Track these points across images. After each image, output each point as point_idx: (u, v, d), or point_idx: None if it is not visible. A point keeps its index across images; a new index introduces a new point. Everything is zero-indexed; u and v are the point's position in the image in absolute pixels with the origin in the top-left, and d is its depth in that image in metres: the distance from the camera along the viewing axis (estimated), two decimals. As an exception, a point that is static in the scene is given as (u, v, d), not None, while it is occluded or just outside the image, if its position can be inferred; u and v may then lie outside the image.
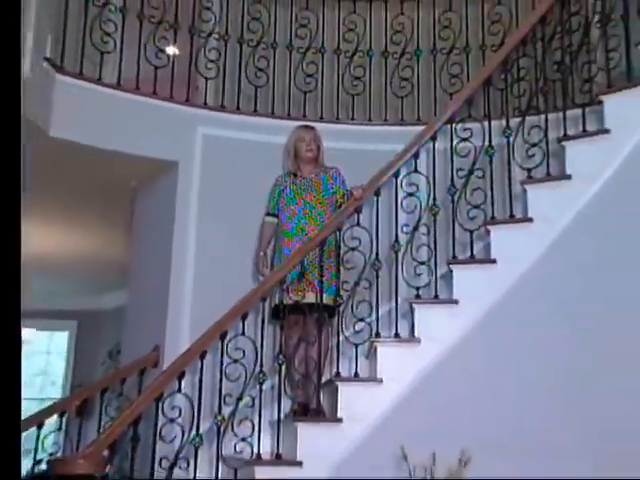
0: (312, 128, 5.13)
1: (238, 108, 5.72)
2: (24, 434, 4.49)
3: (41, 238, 8.10)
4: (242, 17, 5.85)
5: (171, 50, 5.62)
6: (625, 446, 3.84)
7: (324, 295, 4.44)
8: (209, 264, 5.39)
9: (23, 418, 4.80)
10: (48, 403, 5.22)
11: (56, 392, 11.00)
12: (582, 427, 3.95)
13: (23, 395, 9.96)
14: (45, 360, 11.66)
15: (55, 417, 4.83)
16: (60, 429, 4.81)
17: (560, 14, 4.65)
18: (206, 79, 5.77)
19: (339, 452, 4.03)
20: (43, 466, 4.44)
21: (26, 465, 4.77)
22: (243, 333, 4.09)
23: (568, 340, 4.06)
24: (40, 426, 4.68)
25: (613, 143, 4.22)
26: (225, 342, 4.05)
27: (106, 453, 3.57)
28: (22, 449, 4.49)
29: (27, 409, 5.26)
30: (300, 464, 4.00)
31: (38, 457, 4.63)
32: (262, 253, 4.95)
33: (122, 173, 5.77)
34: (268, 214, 5.02)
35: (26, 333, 9.28)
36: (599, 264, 4.11)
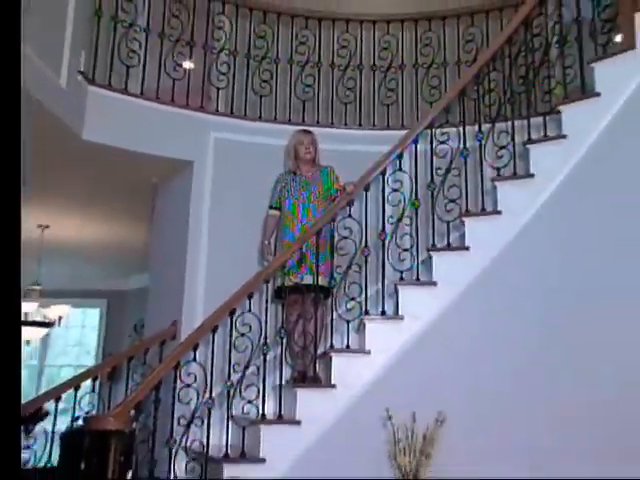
0: (310, 132, 5.13)
1: (245, 114, 5.79)
2: (64, 395, 4.58)
3: (75, 230, 8.15)
4: (249, 35, 5.91)
5: (187, 64, 5.64)
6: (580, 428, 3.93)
7: (320, 277, 4.52)
8: (220, 251, 5.45)
9: (63, 382, 4.90)
10: (83, 369, 5.26)
11: (90, 360, 11.05)
12: (543, 394, 4.02)
13: (62, 362, 9.95)
14: (80, 333, 11.78)
15: (89, 381, 4.88)
16: (93, 391, 4.85)
17: (524, 35, 4.70)
18: (217, 89, 5.83)
19: (333, 413, 4.10)
20: (80, 422, 4.48)
21: (65, 422, 4.83)
22: (249, 310, 4.14)
23: (531, 317, 4.13)
24: (77, 389, 4.72)
25: (569, 146, 4.26)
26: (234, 318, 4.10)
27: (132, 412, 3.65)
28: (60, 408, 4.61)
29: (65, 375, 5.32)
30: (299, 423, 4.08)
31: (75, 415, 4.68)
32: (267, 242, 4.96)
33: (144, 171, 5.79)
34: (271, 207, 5.02)
35: (63, 309, 9.28)
36: (558, 249, 4.18)
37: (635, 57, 4.11)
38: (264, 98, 5.82)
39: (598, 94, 4.26)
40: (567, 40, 4.60)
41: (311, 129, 5.24)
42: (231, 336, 4.12)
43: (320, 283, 4.53)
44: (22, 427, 4.48)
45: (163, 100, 5.53)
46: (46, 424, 4.72)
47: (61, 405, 4.65)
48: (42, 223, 7.87)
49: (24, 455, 4.40)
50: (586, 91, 4.37)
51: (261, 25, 5.92)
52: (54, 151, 5.32)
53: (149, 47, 5.50)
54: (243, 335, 4.12)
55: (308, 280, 4.59)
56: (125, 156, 5.40)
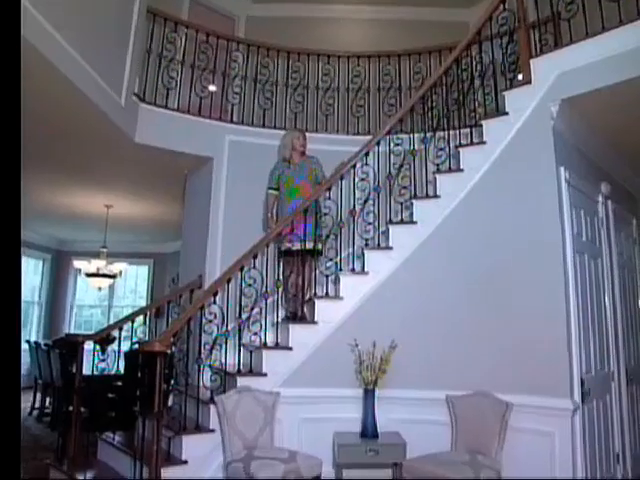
0: (303, 131, 5.03)
1: (252, 123, 5.73)
2: (125, 326, 4.62)
3: (130, 208, 8.10)
4: (256, 66, 5.84)
5: (211, 87, 5.57)
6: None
7: (307, 244, 4.46)
8: (233, 223, 5.42)
9: (123, 317, 4.89)
10: (137, 309, 5.28)
11: (142, 302, 11.14)
12: (467, 330, 3.96)
13: (123, 304, 10.22)
14: (135, 282, 11.85)
15: (141, 317, 4.88)
16: (145, 324, 4.88)
17: (456, 69, 4.72)
18: (232, 105, 5.81)
19: (315, 341, 4.08)
20: (135, 346, 4.50)
21: (127, 345, 4.95)
22: (254, 267, 4.10)
23: (459, 271, 4.05)
24: (133, 322, 4.71)
25: (488, 150, 4.18)
26: (243, 273, 4.06)
27: (172, 339, 3.63)
28: (123, 335, 4.61)
29: (126, 312, 5.33)
30: (291, 349, 4.07)
31: (133, 340, 4.68)
32: (269, 214, 4.80)
33: (178, 164, 5.73)
34: (271, 188, 4.85)
35: (123, 266, 9.35)
36: (479, 223, 4.08)
37: (532, 89, 4.05)
38: (267, 111, 5.78)
39: (507, 113, 4.20)
40: (486, 75, 4.64)
41: (301, 133, 5.17)
42: (241, 286, 4.07)
43: (307, 247, 4.46)
44: (98, 347, 4.49)
45: (193, 112, 5.50)
46: (114, 346, 4.74)
47: (124, 333, 4.63)
48: (107, 203, 7.88)
49: (102, 365, 4.47)
50: (499, 111, 4.32)
51: (265, 58, 5.86)
52: (115, 151, 5.37)
53: (183, 75, 5.56)
54: (250, 285, 4.10)
55: (297, 246, 4.50)
56: (165, 153, 5.38)
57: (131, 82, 4.88)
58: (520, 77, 4.26)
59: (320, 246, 4.53)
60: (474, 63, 4.83)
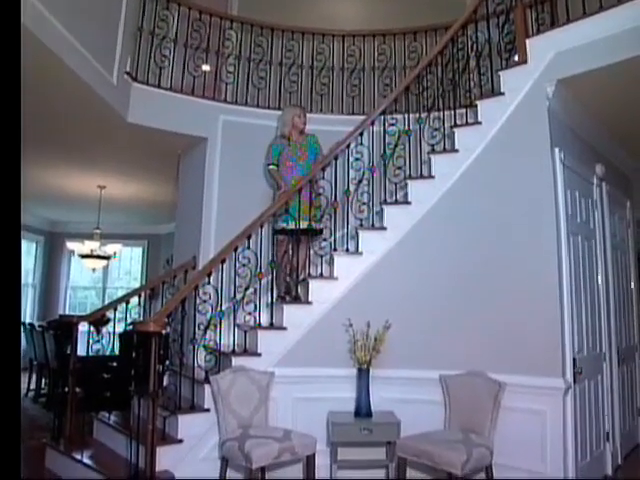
0: (303, 108, 4.96)
1: (246, 103, 5.66)
2: (120, 307, 4.67)
3: (123, 189, 8.04)
4: (250, 44, 5.75)
5: (204, 66, 5.49)
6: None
7: (302, 223, 4.42)
8: (226, 203, 5.38)
9: (117, 298, 4.94)
10: (132, 290, 5.28)
11: (137, 284, 11.07)
12: (458, 310, 3.97)
13: (118, 285, 10.26)
14: (129, 264, 11.83)
15: (136, 298, 4.86)
16: (139, 305, 4.87)
17: (451, 49, 4.66)
18: (226, 84, 5.71)
19: (309, 321, 4.08)
20: (130, 327, 4.50)
21: (122, 326, 4.93)
22: (248, 247, 4.07)
23: (453, 251, 4.05)
24: (127, 303, 4.73)
25: (483, 130, 4.15)
26: (237, 253, 4.04)
27: (166, 319, 3.61)
28: (118, 317, 4.64)
29: (120, 294, 5.33)
30: (285, 329, 4.07)
31: (128, 321, 4.69)
32: (283, 185, 4.59)
33: (171, 145, 5.68)
34: (272, 164, 4.76)
35: (117, 247, 9.35)
36: (475, 203, 4.06)
37: (528, 69, 4.01)
38: (260, 91, 5.69)
39: (503, 93, 4.16)
40: (482, 54, 4.62)
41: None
42: (235, 266, 4.05)
43: (302, 227, 4.43)
44: (93, 328, 4.56)
45: (186, 92, 5.42)
46: (109, 327, 4.75)
47: (118, 315, 4.64)
48: (100, 184, 7.81)
49: (96, 347, 4.54)
50: (495, 91, 4.28)
51: (259, 37, 5.76)
52: (108, 131, 5.30)
53: (176, 53, 5.45)
54: (244, 265, 4.08)
55: (291, 225, 4.46)
56: (158, 133, 5.31)
57: (123, 60, 4.80)
58: (516, 58, 4.21)
59: (315, 226, 4.51)
60: (470, 42, 4.79)
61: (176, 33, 5.47)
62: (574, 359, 3.67)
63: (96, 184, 7.74)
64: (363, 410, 3.79)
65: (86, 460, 3.84)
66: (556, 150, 3.84)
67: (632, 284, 5.31)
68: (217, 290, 3.99)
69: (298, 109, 4.88)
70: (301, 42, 5.85)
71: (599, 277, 4.36)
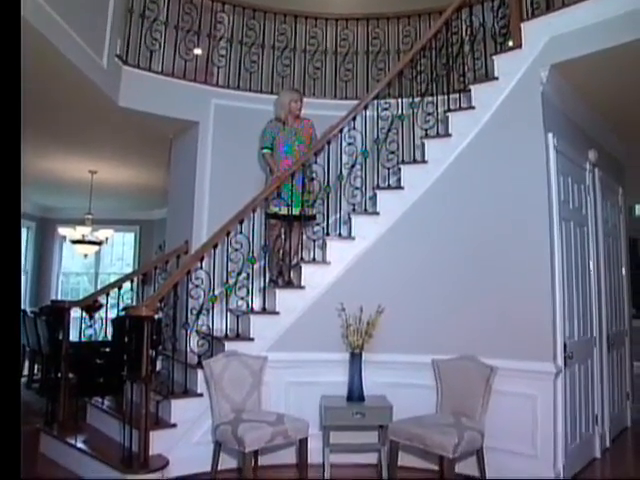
0: (300, 93, 4.90)
1: (238, 86, 5.59)
2: (112, 292, 4.69)
3: (115, 174, 7.97)
4: (242, 27, 5.69)
5: (196, 50, 5.42)
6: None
7: (294, 209, 4.39)
8: (219, 188, 5.34)
9: (109, 283, 4.95)
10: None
11: (129, 269, 10.99)
12: (450, 294, 3.98)
13: (110, 271, 10.21)
14: (122, 250, 11.75)
15: (128, 283, 4.86)
16: (132, 290, 4.86)
17: (445, 33, 4.64)
18: (218, 68, 5.64)
19: (302, 306, 4.09)
20: (122, 312, 4.49)
21: (115, 312, 4.97)
22: (241, 232, 4.06)
23: (445, 237, 4.04)
24: (120, 288, 4.72)
25: (477, 115, 4.13)
26: (229, 238, 4.03)
27: (158, 304, 3.62)
28: (111, 303, 4.66)
29: (112, 280, 5.32)
30: (278, 313, 4.08)
31: (121, 307, 4.68)
32: (277, 170, 4.57)
33: (163, 129, 5.63)
34: (266, 147, 4.71)
35: (108, 232, 9.27)
36: (467, 187, 4.05)
37: (522, 53, 3.99)
38: (252, 74, 5.64)
39: (497, 78, 4.13)
40: (476, 39, 4.59)
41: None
42: (227, 251, 4.04)
43: (294, 213, 4.41)
44: (85, 313, 4.56)
45: (177, 75, 5.36)
46: (102, 313, 4.78)
47: (111, 300, 4.64)
48: (92, 169, 7.72)
49: (89, 332, 4.56)
50: (489, 76, 4.26)
51: (251, 20, 5.70)
52: (99, 115, 5.22)
53: (167, 36, 5.37)
54: (237, 250, 4.07)
55: (284, 210, 4.43)
56: (149, 117, 5.25)
57: (113, 43, 4.72)
58: (510, 43, 4.18)
59: (308, 211, 4.49)
60: (464, 27, 4.76)
61: (167, 15, 5.40)
62: (565, 344, 3.69)
63: (87, 169, 7.65)
64: (355, 394, 3.80)
65: (80, 445, 3.84)
66: (549, 135, 3.83)
67: (623, 270, 5.34)
68: (209, 275, 3.98)
69: (295, 94, 4.83)
70: (294, 25, 5.79)
71: (591, 263, 4.37)
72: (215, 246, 3.99)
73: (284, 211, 4.42)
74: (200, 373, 3.79)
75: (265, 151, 4.74)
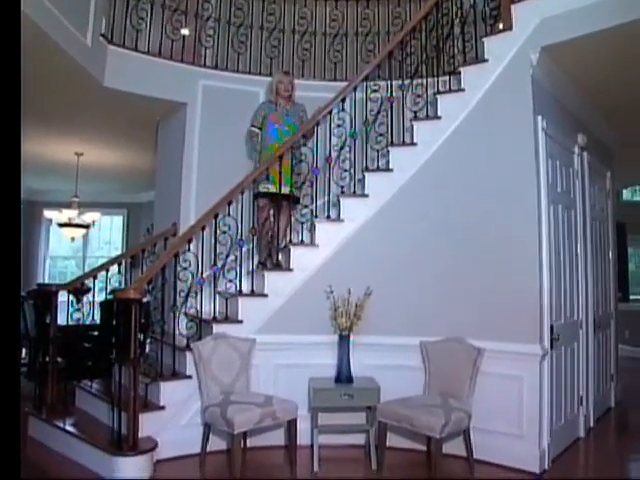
0: (289, 74, 4.86)
1: (226, 67, 5.51)
2: (100, 275, 4.72)
3: (102, 156, 7.88)
4: (230, 7, 5.62)
5: (183, 30, 5.35)
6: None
7: (282, 187, 4.37)
8: (206, 170, 5.29)
9: (97, 266, 4.92)
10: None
11: (118, 252, 10.84)
12: (438, 277, 3.99)
13: (98, 254, 10.10)
14: (109, 233, 11.66)
15: (116, 266, 4.85)
16: (120, 273, 4.84)
17: (436, 15, 4.61)
18: (205, 48, 5.57)
19: (291, 288, 4.09)
20: (110, 295, 4.47)
21: (103, 295, 4.99)
22: (229, 214, 4.05)
23: (434, 219, 4.04)
24: (107, 271, 4.71)
25: (466, 97, 4.11)
26: (217, 220, 4.02)
27: (146, 286, 3.61)
28: (99, 287, 4.69)
29: (100, 263, 5.29)
30: (267, 296, 4.07)
31: (109, 290, 4.68)
32: (259, 148, 4.66)
33: (150, 110, 5.55)
34: (254, 126, 4.69)
35: (95, 215, 9.15)
36: (456, 169, 4.04)
37: (512, 35, 3.96)
38: (241, 55, 5.57)
39: (486, 60, 4.11)
40: (466, 21, 4.57)
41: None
42: (216, 233, 4.02)
43: (282, 192, 4.38)
44: (73, 297, 4.55)
45: (164, 56, 5.28)
46: (90, 296, 4.79)
47: (99, 284, 4.65)
48: (78, 151, 7.60)
49: (77, 315, 4.53)
50: (478, 58, 4.24)
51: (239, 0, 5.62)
52: (84, 95, 5.14)
53: (154, 15, 5.29)
54: (225, 232, 4.06)
55: (273, 189, 4.41)
56: (136, 98, 5.17)
57: (97, 22, 4.63)
58: (501, 25, 4.15)
59: (296, 192, 4.47)
60: (454, 8, 4.73)
61: (154, -7, 5.30)
62: (552, 326, 3.73)
63: (73, 151, 7.54)
64: (344, 376, 3.82)
65: (69, 428, 3.84)
66: (539, 118, 3.83)
67: (610, 254, 5.39)
68: (197, 257, 3.97)
69: (283, 75, 4.79)
70: (283, 6, 5.72)
71: (578, 246, 4.40)
72: (203, 228, 3.97)
73: (273, 189, 4.39)
74: (189, 355, 3.80)
75: (252, 129, 4.71)
